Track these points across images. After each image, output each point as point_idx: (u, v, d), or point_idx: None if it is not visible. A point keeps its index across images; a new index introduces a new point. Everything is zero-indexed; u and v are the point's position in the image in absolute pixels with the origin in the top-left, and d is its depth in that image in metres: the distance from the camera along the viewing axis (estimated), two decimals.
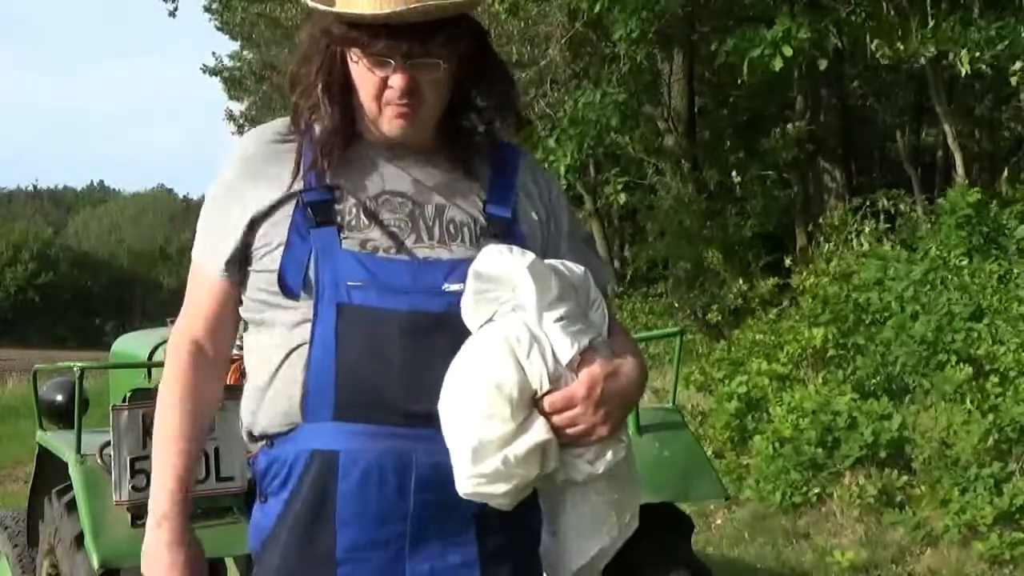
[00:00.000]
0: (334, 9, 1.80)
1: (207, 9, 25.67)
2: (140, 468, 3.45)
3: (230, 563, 3.84)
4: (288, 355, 1.82)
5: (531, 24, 13.63)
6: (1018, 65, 9.44)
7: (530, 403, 1.68)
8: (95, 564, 3.38)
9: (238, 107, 27.80)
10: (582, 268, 1.80)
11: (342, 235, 1.81)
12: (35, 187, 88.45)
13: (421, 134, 1.87)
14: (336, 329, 1.77)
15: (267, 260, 1.84)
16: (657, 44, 13.01)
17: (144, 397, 3.57)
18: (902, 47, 9.94)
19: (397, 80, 1.79)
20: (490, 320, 1.73)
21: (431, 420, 1.73)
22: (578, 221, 2.05)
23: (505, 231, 1.86)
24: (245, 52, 26.71)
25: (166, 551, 1.86)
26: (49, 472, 4.04)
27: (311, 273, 1.80)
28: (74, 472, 3.57)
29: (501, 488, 1.68)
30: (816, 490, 6.87)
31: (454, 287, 1.78)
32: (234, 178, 1.88)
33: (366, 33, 1.77)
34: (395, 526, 1.78)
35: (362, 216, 1.83)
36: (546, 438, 1.68)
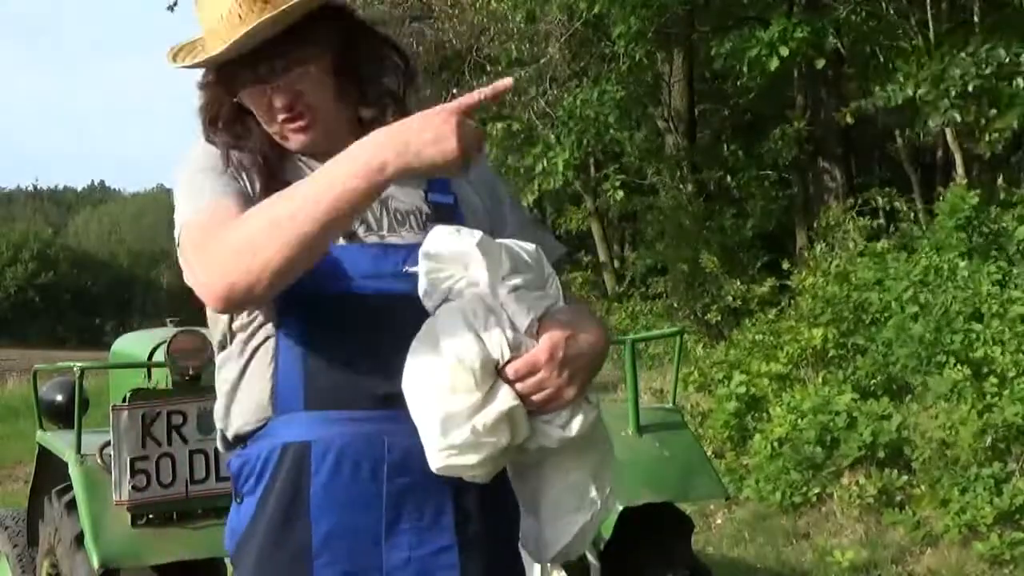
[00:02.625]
0: (188, 65, 1.82)
1: None
2: (140, 468, 3.45)
3: (230, 563, 3.83)
4: (254, 353, 1.82)
5: (531, 23, 13.63)
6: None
7: (493, 373, 1.69)
8: (95, 564, 3.39)
9: None
10: (533, 245, 1.81)
11: None
12: (35, 187, 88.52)
13: (327, 134, 1.85)
14: (300, 320, 1.78)
15: None
16: (657, 44, 13.00)
17: (144, 397, 3.58)
18: (884, 95, 9.98)
19: (278, 100, 1.79)
20: (446, 300, 1.73)
21: (402, 401, 1.73)
22: (519, 200, 2.04)
23: (450, 216, 1.87)
24: None
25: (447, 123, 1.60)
26: (49, 472, 4.04)
27: None
28: (74, 472, 3.57)
29: (473, 458, 1.67)
30: (816, 490, 6.88)
31: (413, 269, 1.77)
32: (216, 164, 1.85)
33: (227, 72, 1.79)
34: (370, 512, 1.78)
35: None
36: (513, 404, 1.68)
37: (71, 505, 3.64)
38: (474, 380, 1.66)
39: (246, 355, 1.84)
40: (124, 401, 3.52)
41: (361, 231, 1.83)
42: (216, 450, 3.46)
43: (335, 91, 1.85)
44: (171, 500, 3.49)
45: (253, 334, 1.84)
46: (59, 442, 3.88)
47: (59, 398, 4.45)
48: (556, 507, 1.79)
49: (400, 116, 1.81)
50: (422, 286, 1.74)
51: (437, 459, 1.69)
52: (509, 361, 1.69)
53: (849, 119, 10.96)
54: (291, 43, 1.77)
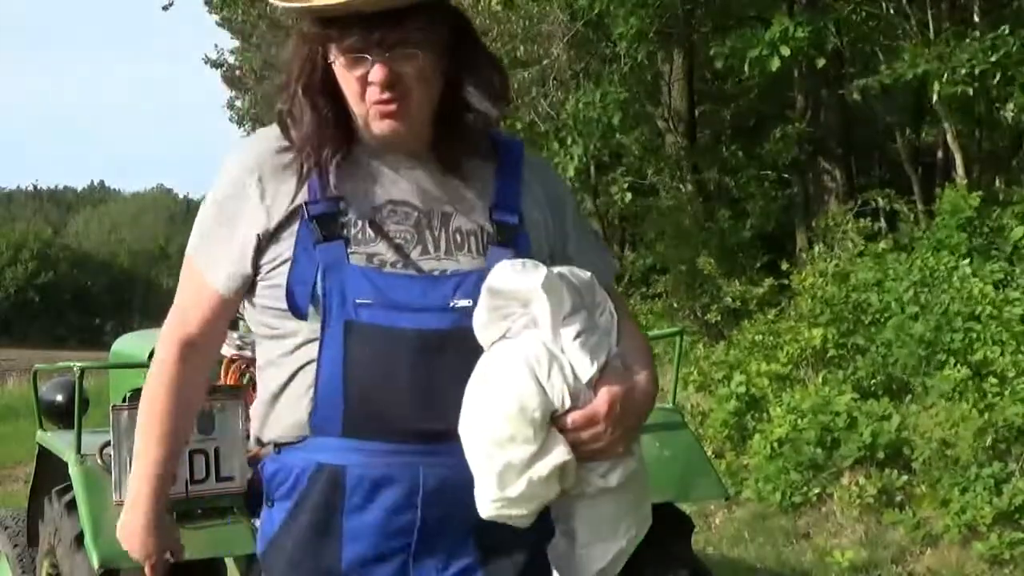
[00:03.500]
0: (300, 5, 1.75)
1: (207, 2, 25.60)
2: None
3: (230, 563, 3.84)
4: (297, 371, 1.81)
5: (533, 23, 13.62)
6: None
7: (549, 422, 1.67)
8: (95, 564, 3.38)
9: (239, 101, 27.85)
10: (588, 273, 1.78)
11: (349, 249, 1.78)
12: (35, 187, 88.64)
13: (413, 132, 1.81)
14: (345, 347, 1.76)
15: (275, 275, 1.81)
16: (657, 44, 12.99)
17: None
18: (890, 72, 9.96)
19: (376, 73, 1.73)
20: (503, 337, 1.71)
21: (439, 437, 1.72)
22: (583, 213, 2.02)
23: (513, 237, 1.83)
24: (247, 53, 26.67)
25: (141, 533, 1.95)
26: (49, 472, 4.04)
27: (319, 290, 1.77)
28: (74, 472, 3.57)
29: (523, 510, 1.68)
30: (816, 490, 6.88)
31: (462, 303, 1.76)
32: (240, 190, 1.83)
33: (338, 28, 1.73)
34: (401, 540, 1.78)
35: (368, 229, 1.79)
36: (567, 459, 1.66)
37: (71, 505, 3.63)
38: (533, 430, 1.64)
39: (288, 371, 1.82)
40: (124, 401, 3.52)
41: (416, 253, 1.79)
42: (216, 450, 3.46)
43: (435, 90, 1.80)
44: (171, 500, 3.48)
45: (294, 352, 1.81)
46: (59, 442, 3.88)
47: (59, 398, 4.44)
48: (593, 535, 1.77)
49: (487, 135, 1.86)
50: (480, 320, 1.72)
51: (488, 509, 1.68)
52: (567, 411, 1.67)
53: (856, 96, 10.91)
54: (409, 23, 1.73)
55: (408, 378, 1.75)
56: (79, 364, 3.71)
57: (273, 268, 1.81)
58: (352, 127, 1.82)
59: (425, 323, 1.76)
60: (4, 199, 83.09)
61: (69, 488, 3.66)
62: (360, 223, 1.80)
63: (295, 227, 1.79)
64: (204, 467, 3.51)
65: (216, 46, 34.83)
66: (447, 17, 1.80)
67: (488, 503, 1.68)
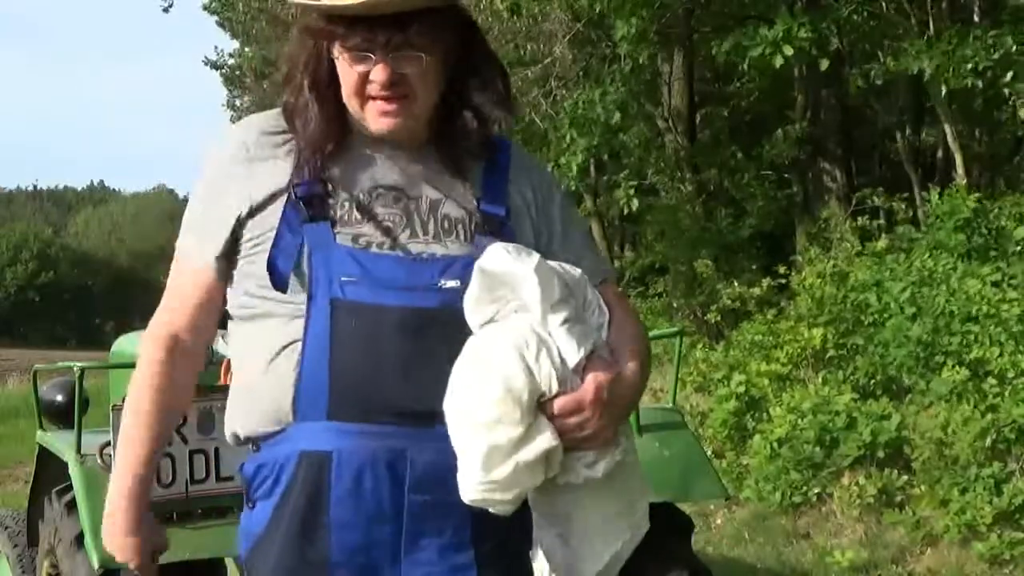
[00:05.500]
0: (312, 2, 1.76)
1: (206, 8, 25.63)
2: None
3: (230, 563, 3.84)
4: (279, 352, 1.78)
5: (535, 22, 13.61)
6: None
7: (536, 407, 1.66)
8: (95, 564, 3.38)
9: (239, 100, 27.87)
10: (578, 270, 1.77)
11: (335, 230, 1.78)
12: (35, 187, 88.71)
13: (411, 130, 1.83)
14: (330, 325, 1.74)
15: (258, 252, 1.80)
16: (657, 43, 12.99)
17: None
18: (894, 63, 9.97)
19: (378, 73, 1.75)
20: (492, 320, 1.70)
21: (426, 418, 1.70)
22: (574, 213, 2.01)
23: (499, 228, 1.84)
24: (246, 49, 26.68)
25: (120, 537, 1.89)
26: (49, 472, 4.04)
27: (304, 268, 1.76)
28: (74, 472, 3.57)
29: (508, 495, 1.66)
30: (816, 490, 6.88)
31: (450, 284, 1.75)
32: (225, 169, 1.84)
33: (344, 26, 1.74)
34: (389, 526, 1.75)
35: (355, 210, 1.80)
36: (553, 444, 1.66)
37: (71, 505, 3.64)
38: (520, 412, 1.63)
39: (270, 353, 1.79)
40: (124, 401, 3.52)
41: (404, 236, 1.80)
42: (216, 450, 3.47)
43: (436, 90, 1.82)
44: (171, 500, 3.49)
45: (276, 332, 1.79)
46: (59, 442, 3.88)
47: (59, 398, 4.45)
48: (589, 535, 1.76)
49: (484, 136, 1.87)
50: (470, 301, 1.71)
51: (473, 491, 1.67)
52: (554, 396, 1.66)
53: (860, 83, 10.89)
54: (415, 26, 1.74)
55: (393, 357, 1.73)
56: (79, 364, 3.72)
57: (256, 245, 1.81)
58: (348, 117, 1.84)
59: (411, 301, 1.75)
60: (4, 199, 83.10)
61: (69, 488, 3.66)
62: (347, 205, 1.80)
63: (280, 206, 1.80)
64: (204, 467, 3.52)
65: (216, 47, 34.94)
66: (454, 21, 1.80)
67: (472, 486, 1.66)
